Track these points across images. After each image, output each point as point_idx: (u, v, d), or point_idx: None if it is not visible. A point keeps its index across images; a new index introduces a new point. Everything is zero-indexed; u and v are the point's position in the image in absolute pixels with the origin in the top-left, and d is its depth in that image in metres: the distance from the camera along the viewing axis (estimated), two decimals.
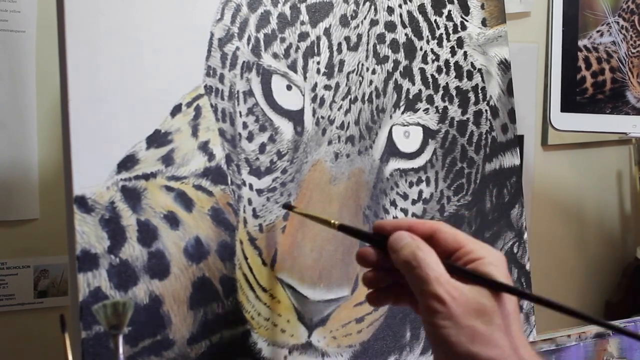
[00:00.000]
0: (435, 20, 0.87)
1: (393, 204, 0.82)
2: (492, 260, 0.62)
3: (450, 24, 0.88)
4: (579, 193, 1.48)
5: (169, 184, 0.72)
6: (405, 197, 0.83)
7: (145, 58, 0.71)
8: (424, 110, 0.85)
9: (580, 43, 1.12)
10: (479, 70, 0.90)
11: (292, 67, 0.78)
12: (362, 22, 0.82)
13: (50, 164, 1.01)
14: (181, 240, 0.72)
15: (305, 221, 0.77)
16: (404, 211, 0.83)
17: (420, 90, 0.85)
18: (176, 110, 0.73)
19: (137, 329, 0.68)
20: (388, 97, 0.83)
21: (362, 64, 0.81)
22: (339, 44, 0.80)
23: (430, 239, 0.64)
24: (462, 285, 0.59)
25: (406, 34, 0.84)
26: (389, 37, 0.83)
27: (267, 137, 0.76)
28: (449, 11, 0.88)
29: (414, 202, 0.84)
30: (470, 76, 0.89)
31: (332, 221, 0.69)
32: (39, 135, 1.00)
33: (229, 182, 0.74)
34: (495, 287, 0.60)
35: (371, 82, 0.82)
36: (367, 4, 0.82)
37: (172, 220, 0.71)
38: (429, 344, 0.84)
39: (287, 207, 0.75)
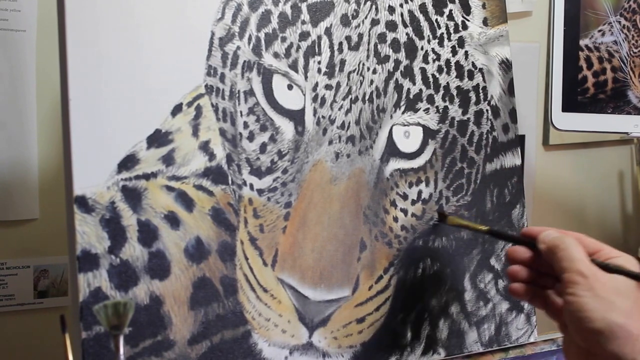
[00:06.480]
0: (436, 20, 0.86)
1: (393, 204, 0.82)
2: (628, 258, 0.67)
3: (451, 24, 0.88)
4: (581, 193, 1.48)
5: (169, 184, 0.72)
6: (405, 197, 0.83)
7: (145, 57, 0.71)
8: (424, 110, 0.85)
9: (582, 42, 1.12)
10: (480, 69, 0.90)
11: (293, 66, 0.77)
12: (363, 21, 0.82)
13: (50, 164, 1.01)
14: (182, 240, 0.72)
15: (306, 221, 0.76)
16: (404, 211, 0.83)
17: (420, 90, 0.85)
18: (177, 109, 0.73)
19: (137, 330, 0.68)
20: (389, 97, 0.82)
21: (363, 64, 0.81)
22: (340, 44, 0.80)
23: None
24: (604, 272, 0.65)
25: (407, 34, 0.84)
26: (390, 36, 0.83)
27: (267, 137, 0.76)
28: (450, 10, 0.88)
29: (413, 203, 0.84)
30: (471, 76, 0.89)
31: (482, 227, 0.82)
32: (39, 135, 1.00)
33: (230, 182, 0.74)
34: (631, 276, 0.65)
35: (372, 81, 0.82)
36: (368, 3, 0.82)
37: (173, 220, 0.71)
38: (430, 344, 0.84)
39: (441, 215, 0.85)
